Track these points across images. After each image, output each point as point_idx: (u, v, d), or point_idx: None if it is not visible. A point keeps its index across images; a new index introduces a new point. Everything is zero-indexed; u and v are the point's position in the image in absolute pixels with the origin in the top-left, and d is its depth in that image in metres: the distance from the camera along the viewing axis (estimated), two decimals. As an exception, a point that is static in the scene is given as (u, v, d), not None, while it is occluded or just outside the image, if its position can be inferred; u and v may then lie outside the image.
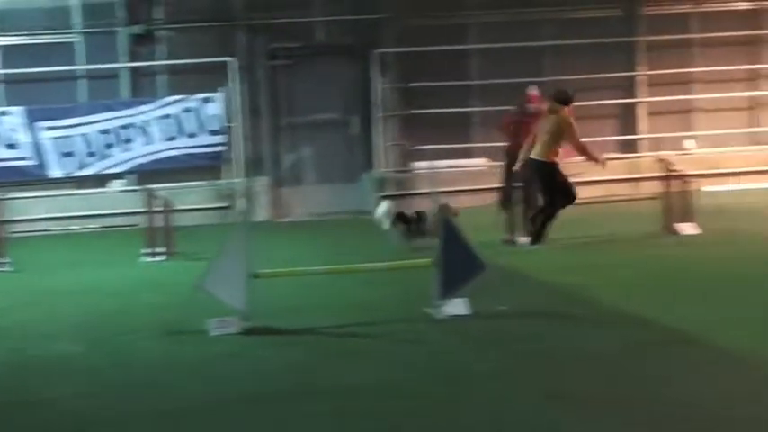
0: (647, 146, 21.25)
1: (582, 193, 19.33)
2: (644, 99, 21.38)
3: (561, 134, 14.35)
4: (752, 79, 21.77)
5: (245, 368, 8.33)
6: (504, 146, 16.20)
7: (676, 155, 20.27)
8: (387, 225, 15.32)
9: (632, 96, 21.40)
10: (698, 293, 10.66)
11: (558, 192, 14.35)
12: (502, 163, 16.08)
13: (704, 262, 12.63)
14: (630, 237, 14.63)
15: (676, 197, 14.89)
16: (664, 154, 19.44)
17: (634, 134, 21.38)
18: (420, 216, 15.05)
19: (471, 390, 7.35)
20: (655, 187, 15.55)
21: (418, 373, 7.91)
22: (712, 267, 12.23)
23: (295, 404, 7.20)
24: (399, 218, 15.20)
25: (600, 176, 20.13)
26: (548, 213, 14.40)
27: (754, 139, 21.68)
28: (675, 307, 9.94)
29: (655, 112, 21.38)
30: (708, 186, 19.81)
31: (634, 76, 21.37)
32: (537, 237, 14.38)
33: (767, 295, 10.34)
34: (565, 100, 14.59)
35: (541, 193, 14.57)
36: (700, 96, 21.51)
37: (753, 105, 21.75)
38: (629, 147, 21.36)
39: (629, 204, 16.19)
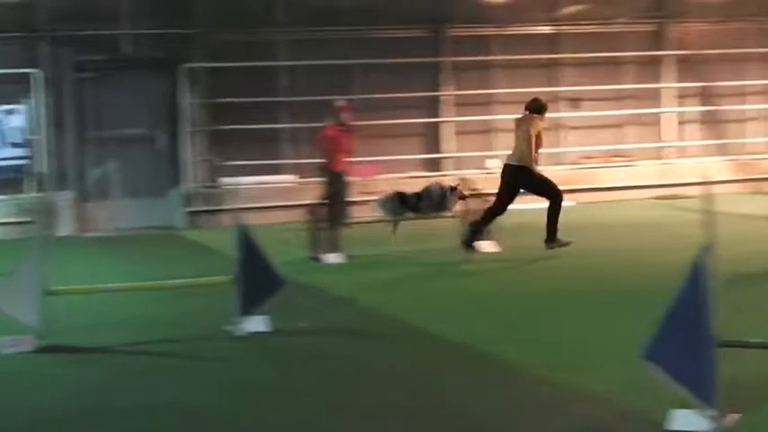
0: (452, 164, 21.73)
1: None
2: (449, 119, 21.87)
3: (538, 140, 14.57)
4: (551, 101, 22.44)
5: (38, 388, 8.20)
6: (320, 162, 16.43)
7: (479, 174, 20.80)
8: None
9: (437, 116, 21.86)
10: (491, 309, 11.01)
11: (554, 194, 14.53)
12: (320, 179, 16.30)
13: (500, 279, 13.04)
14: (432, 254, 14.95)
15: (476, 215, 15.25)
16: (467, 173, 19.94)
17: (438, 153, 21.85)
18: (420, 196, 15.54)
19: (266, 406, 7.44)
20: (457, 205, 15.92)
21: (215, 390, 7.93)
22: (508, 284, 12.64)
23: (88, 425, 7.14)
24: (399, 198, 15.55)
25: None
26: (552, 212, 14.53)
27: (555, 159, 22.41)
28: (468, 323, 10.25)
29: (459, 132, 21.89)
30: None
31: (439, 95, 21.83)
32: (553, 237, 14.49)
33: (557, 311, 10.75)
34: (538, 108, 14.89)
35: (501, 195, 14.71)
36: (502, 117, 22.10)
37: (551, 126, 22.46)
38: (434, 165, 21.81)
39: (432, 222, 16.50)
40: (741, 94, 23.48)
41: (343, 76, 21.17)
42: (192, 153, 20.74)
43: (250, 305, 9.79)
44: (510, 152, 14.85)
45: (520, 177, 14.49)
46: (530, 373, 8.09)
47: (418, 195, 15.70)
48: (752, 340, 7.10)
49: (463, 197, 15.68)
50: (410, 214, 15.70)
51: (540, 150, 14.72)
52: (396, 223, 15.83)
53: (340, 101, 18.71)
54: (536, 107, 14.89)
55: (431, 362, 8.74)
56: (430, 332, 9.80)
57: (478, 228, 14.65)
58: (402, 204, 15.66)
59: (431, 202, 15.52)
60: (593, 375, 7.88)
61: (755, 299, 10.83)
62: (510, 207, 14.77)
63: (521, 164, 14.47)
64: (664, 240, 14.90)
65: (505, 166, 14.75)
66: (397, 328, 10.20)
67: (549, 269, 13.55)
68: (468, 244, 14.56)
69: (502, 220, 15.20)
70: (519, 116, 15.16)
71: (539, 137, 14.54)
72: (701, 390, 6.41)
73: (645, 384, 6.81)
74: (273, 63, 21.15)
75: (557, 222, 14.49)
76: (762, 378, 7.49)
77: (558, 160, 22.44)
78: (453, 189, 15.78)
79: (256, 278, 9.73)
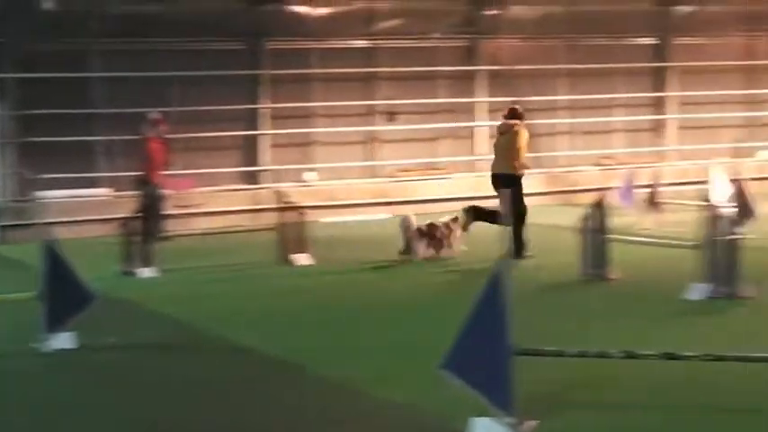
0: (270, 178, 21.73)
1: (201, 224, 19.67)
2: (266, 131, 21.87)
3: (522, 147, 14.72)
4: (368, 114, 22.75)
5: None
6: (137, 175, 16.25)
7: (297, 187, 20.90)
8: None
9: (255, 128, 21.82)
10: (307, 323, 11.07)
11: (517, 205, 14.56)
12: (137, 192, 16.11)
13: (314, 291, 13.12)
14: (247, 267, 14.94)
15: (292, 228, 15.33)
16: (284, 186, 19.99)
17: (256, 166, 21.82)
18: (431, 228, 15.25)
19: (64, 423, 7.34)
20: (274, 218, 15.95)
21: (12, 407, 7.78)
22: (321, 297, 12.73)
23: None
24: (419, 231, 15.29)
25: (220, 207, 20.51)
26: (518, 225, 14.57)
27: (370, 172, 22.65)
28: (283, 336, 10.31)
29: (277, 145, 21.90)
30: (327, 218, 20.53)
31: (257, 108, 21.81)
32: (519, 250, 14.49)
33: (371, 323, 10.90)
34: (517, 116, 15.05)
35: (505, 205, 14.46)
36: (320, 130, 22.25)
37: (368, 139, 22.73)
38: (251, 178, 21.78)
39: (248, 235, 16.53)
40: (552, 109, 24.17)
41: (161, 87, 20.92)
42: (1, 166, 20.19)
43: (56, 321, 9.61)
44: (494, 162, 15.09)
45: (510, 183, 14.60)
46: (343, 385, 8.19)
47: (430, 228, 15.42)
48: (547, 348, 7.34)
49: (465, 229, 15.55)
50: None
51: (526, 155, 14.98)
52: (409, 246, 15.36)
53: (155, 113, 18.58)
54: (514, 115, 15.14)
55: (246, 376, 8.75)
56: (245, 346, 9.80)
57: (519, 238, 14.59)
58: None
59: (435, 242, 15.35)
60: (404, 386, 8.03)
61: (554, 308, 11.22)
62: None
63: (508, 172, 14.71)
64: (474, 251, 15.19)
65: (493, 176, 14.97)
66: (211, 343, 10.17)
67: (361, 282, 13.71)
68: (519, 256, 14.42)
69: (313, 232, 15.37)
70: (499, 125, 15.33)
71: (519, 144, 14.76)
72: (499, 397, 6.60)
73: (450, 393, 6.96)
74: (87, 74, 20.77)
75: (522, 238, 14.64)
76: (557, 385, 7.76)
77: (373, 173, 22.67)
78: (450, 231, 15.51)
79: (63, 294, 9.56)
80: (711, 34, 25.03)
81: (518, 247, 14.53)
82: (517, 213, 14.54)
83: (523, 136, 14.88)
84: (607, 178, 22.01)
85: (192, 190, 20.27)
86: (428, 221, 15.39)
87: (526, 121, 15.40)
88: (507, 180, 14.70)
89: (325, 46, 22.35)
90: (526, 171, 15.09)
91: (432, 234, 15.30)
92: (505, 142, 15.00)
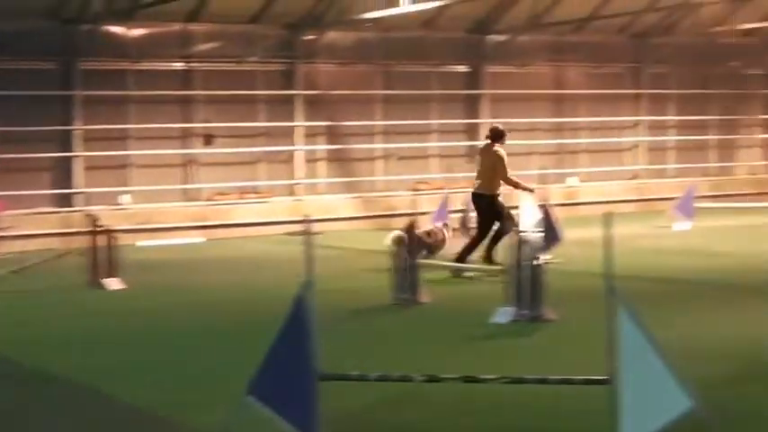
0: (83, 200, 21.34)
1: (11, 247, 19.24)
2: (80, 153, 21.47)
3: (500, 166, 15.09)
4: (185, 137, 22.59)
5: None
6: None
7: (111, 210, 20.61)
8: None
9: (68, 150, 21.40)
10: (112, 347, 10.92)
11: (504, 219, 15.06)
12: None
13: (124, 316, 12.93)
14: (56, 292, 14.65)
15: (103, 252, 15.10)
16: (98, 209, 19.67)
17: (69, 188, 21.39)
18: (429, 234, 16.00)
19: None
20: (87, 242, 15.69)
21: None
22: (130, 321, 12.55)
23: None
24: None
25: (31, 230, 20.06)
26: (495, 238, 15.20)
27: (187, 195, 22.49)
28: (89, 361, 10.15)
29: (91, 167, 21.52)
30: (143, 241, 20.31)
31: (70, 130, 21.39)
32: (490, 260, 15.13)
33: (181, 348, 10.83)
34: (497, 136, 15.35)
35: (480, 224, 15.34)
36: (135, 152, 21.98)
37: (185, 162, 22.57)
38: (64, 201, 21.34)
39: (59, 259, 16.19)
40: (368, 134, 24.47)
41: (-32, 107, 20.37)
42: None
43: None
44: (477, 181, 15.51)
45: (484, 204, 15.18)
46: (150, 410, 8.13)
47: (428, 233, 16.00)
48: (352, 373, 7.45)
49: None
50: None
51: (507, 176, 15.28)
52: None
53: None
54: (495, 135, 15.47)
55: (47, 403, 8.59)
56: (49, 372, 9.61)
57: (464, 255, 15.30)
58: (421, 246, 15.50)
59: (428, 248, 15.77)
60: (210, 412, 8.00)
61: (363, 332, 11.37)
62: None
63: (484, 192, 15.19)
64: (286, 275, 15.27)
65: (473, 194, 15.44)
66: (12, 369, 9.93)
67: (172, 306, 13.58)
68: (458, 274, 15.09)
69: (127, 256, 15.18)
70: (481, 146, 15.68)
71: (500, 165, 15.13)
72: (304, 423, 6.65)
73: (258, 419, 6.98)
74: None
75: (496, 244, 15.21)
76: (362, 409, 7.87)
77: (191, 196, 22.52)
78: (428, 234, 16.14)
79: None
80: (522, 63, 25.83)
81: (490, 249, 15.32)
82: (485, 232, 15.36)
83: (498, 157, 15.28)
84: (422, 203, 22.36)
85: (3, 212, 19.76)
86: (427, 228, 16.11)
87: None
88: (482, 199, 15.32)
89: (141, 67, 22.12)
90: (498, 191, 15.48)
91: (427, 242, 15.86)
92: (480, 162, 15.60)
